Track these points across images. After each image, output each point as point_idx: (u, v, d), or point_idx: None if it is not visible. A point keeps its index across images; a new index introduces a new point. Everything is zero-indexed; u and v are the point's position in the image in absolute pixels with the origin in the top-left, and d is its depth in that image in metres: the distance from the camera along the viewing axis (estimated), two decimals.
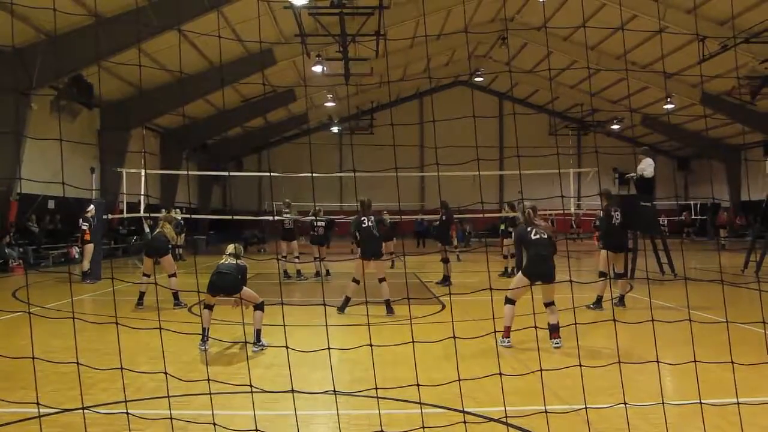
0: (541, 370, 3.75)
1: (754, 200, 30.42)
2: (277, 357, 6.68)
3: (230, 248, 7.45)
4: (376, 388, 3.61)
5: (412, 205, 38.55)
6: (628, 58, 27.58)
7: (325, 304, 9.62)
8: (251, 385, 3.56)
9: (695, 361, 3.68)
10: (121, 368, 3.61)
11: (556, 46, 29.04)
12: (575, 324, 4.04)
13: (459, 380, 3.47)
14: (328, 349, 3.56)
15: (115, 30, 17.49)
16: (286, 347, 3.62)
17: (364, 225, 9.97)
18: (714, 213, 33.20)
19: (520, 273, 7.48)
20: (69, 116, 20.36)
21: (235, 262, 7.28)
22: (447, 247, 15.27)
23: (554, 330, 7.27)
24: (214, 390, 5.00)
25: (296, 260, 15.55)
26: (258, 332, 7.18)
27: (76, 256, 19.25)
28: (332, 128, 38.38)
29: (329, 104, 32.74)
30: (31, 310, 3.74)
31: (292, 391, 3.54)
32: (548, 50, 29.62)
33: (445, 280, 14.28)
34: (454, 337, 3.44)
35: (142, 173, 14.82)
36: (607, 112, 36.19)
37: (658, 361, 3.78)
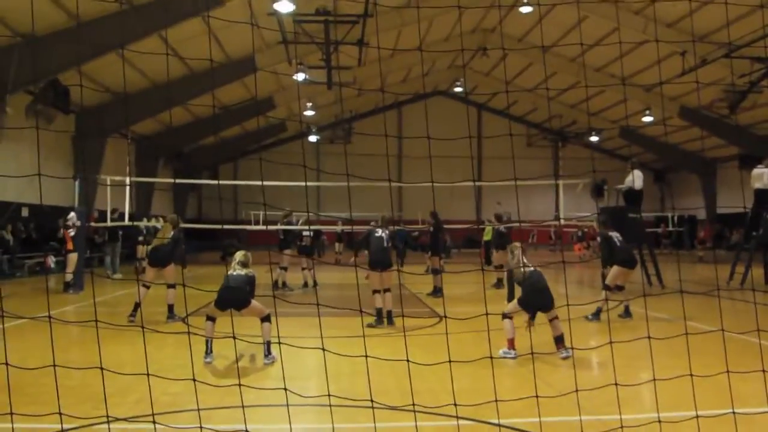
0: (616, 384, 3.58)
1: (729, 213, 30.87)
2: (293, 370, 6.43)
3: (239, 256, 7.08)
4: (455, 405, 3.45)
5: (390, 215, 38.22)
6: (607, 70, 27.90)
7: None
8: (329, 395, 3.35)
9: (764, 371, 3.60)
10: (194, 380, 3.39)
11: (537, 58, 29.20)
12: (649, 337, 3.87)
13: (537, 396, 3.31)
14: (407, 361, 3.37)
15: (95, 34, 17.02)
16: (365, 356, 3.40)
17: (376, 235, 10.05)
18: (692, 225, 33.60)
19: (515, 301, 7.46)
20: (44, 121, 19.71)
21: (244, 272, 6.97)
22: (434, 258, 15.10)
23: (560, 341, 7.26)
24: (266, 402, 4.72)
25: (283, 271, 15.28)
26: (268, 344, 6.90)
27: (52, 266, 18.63)
28: (310, 137, 38.12)
29: (308, 113, 32.47)
30: (97, 319, 3.48)
31: (371, 403, 3.35)
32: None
33: (437, 292, 14.11)
34: (532, 354, 3.24)
35: (127, 181, 14.39)
36: (586, 123, 36.56)
37: (728, 372, 3.65)
